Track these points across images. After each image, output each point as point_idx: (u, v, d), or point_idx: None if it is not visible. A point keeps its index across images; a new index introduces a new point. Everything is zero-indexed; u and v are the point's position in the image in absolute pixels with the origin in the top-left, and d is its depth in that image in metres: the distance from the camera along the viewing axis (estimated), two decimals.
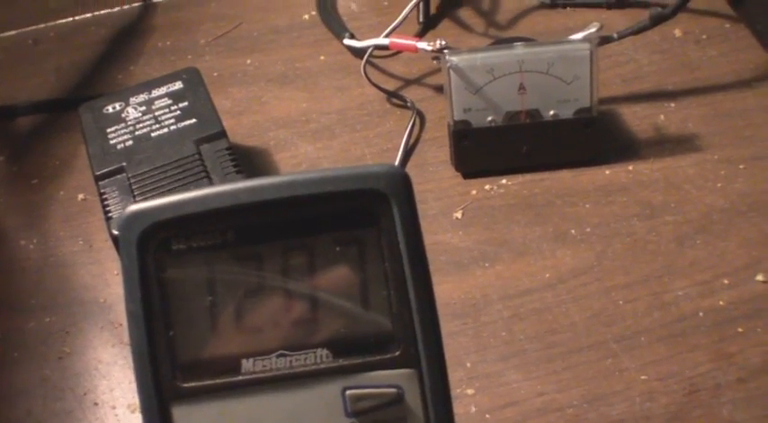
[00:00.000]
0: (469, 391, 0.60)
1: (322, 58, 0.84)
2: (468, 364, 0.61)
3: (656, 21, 0.75)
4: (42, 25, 0.94)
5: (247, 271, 0.41)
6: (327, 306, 0.41)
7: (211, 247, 0.40)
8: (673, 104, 0.76)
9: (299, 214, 0.40)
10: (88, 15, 0.94)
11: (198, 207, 0.40)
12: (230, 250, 0.40)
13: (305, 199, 0.40)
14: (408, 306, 0.40)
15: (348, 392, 0.41)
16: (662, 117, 0.75)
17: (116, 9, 0.94)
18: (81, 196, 0.76)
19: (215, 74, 0.83)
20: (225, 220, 0.40)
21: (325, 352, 0.41)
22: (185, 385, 0.40)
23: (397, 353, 0.41)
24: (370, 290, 0.41)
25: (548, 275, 0.66)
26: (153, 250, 0.40)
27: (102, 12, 0.94)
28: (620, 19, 0.83)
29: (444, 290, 0.65)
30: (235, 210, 0.40)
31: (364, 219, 0.40)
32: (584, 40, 0.70)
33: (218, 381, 0.40)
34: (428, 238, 0.40)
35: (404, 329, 0.40)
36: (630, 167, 0.72)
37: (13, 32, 0.93)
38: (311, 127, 0.78)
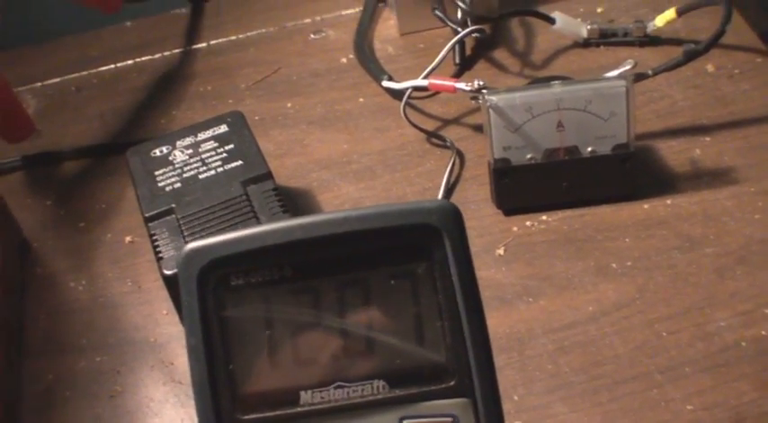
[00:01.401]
0: None
1: (361, 100, 0.85)
2: (516, 397, 0.62)
3: (690, 57, 0.76)
4: (85, 73, 0.95)
5: (304, 305, 0.42)
6: (383, 338, 0.42)
7: (269, 283, 0.41)
8: (708, 138, 0.77)
9: (354, 249, 0.42)
10: (129, 62, 0.95)
11: (255, 243, 0.41)
12: (287, 285, 0.42)
13: (359, 234, 0.41)
14: (462, 337, 0.41)
15: (405, 422, 0.42)
16: (698, 151, 0.76)
17: (157, 56, 0.95)
18: (128, 238, 0.77)
19: (256, 117, 0.84)
20: (282, 256, 0.41)
21: (381, 383, 0.41)
22: (245, 417, 0.41)
23: (452, 382, 0.41)
24: (425, 322, 0.42)
25: (591, 309, 0.66)
26: (212, 286, 0.41)
27: (144, 58, 0.95)
28: (653, 56, 0.84)
29: (489, 325, 0.64)
30: (291, 246, 0.41)
31: (417, 253, 0.42)
32: (620, 77, 0.71)
33: (277, 412, 0.41)
34: None
35: (458, 360, 0.41)
36: (669, 201, 0.72)
37: (56, 80, 0.95)
38: (353, 168, 0.79)
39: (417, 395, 0.41)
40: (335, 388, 0.41)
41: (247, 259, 0.41)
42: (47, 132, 0.87)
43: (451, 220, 0.42)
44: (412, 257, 0.42)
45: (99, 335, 0.71)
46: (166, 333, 0.70)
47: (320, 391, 0.41)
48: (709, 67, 0.82)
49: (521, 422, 0.61)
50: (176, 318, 0.69)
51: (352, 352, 0.42)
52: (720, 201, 0.72)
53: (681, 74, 0.80)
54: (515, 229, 0.72)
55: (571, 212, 0.73)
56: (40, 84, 0.95)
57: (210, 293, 0.41)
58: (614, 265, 0.69)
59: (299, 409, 0.41)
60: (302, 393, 0.41)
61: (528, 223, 0.72)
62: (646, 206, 0.72)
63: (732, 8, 0.77)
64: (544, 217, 0.73)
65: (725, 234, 0.70)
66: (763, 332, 0.64)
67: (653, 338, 0.64)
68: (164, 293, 0.69)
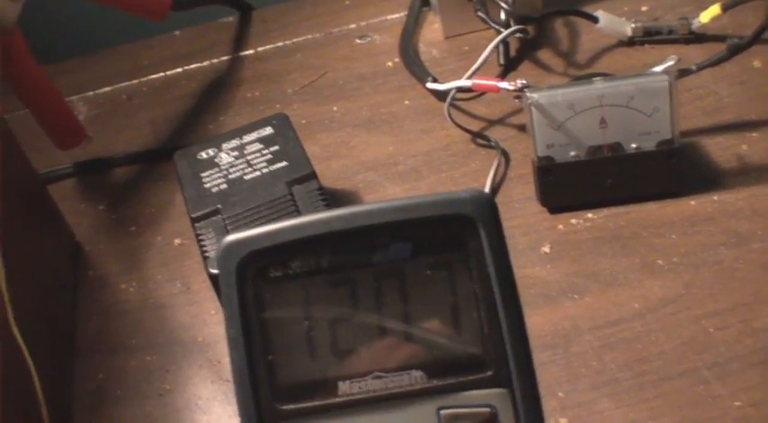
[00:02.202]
0: (563, 421, 0.61)
1: (406, 102, 0.86)
2: (561, 394, 0.62)
3: (734, 51, 0.75)
4: (135, 81, 0.97)
5: (342, 296, 0.42)
6: (420, 329, 0.42)
7: (307, 274, 0.42)
8: (755, 134, 0.76)
9: (390, 240, 0.42)
10: (179, 70, 0.97)
11: (292, 235, 0.42)
12: (325, 276, 0.42)
13: (395, 225, 0.42)
14: (499, 327, 0.41)
15: (443, 412, 0.42)
16: (744, 147, 0.75)
17: (205, 63, 0.97)
18: (177, 241, 0.78)
19: (303, 121, 0.85)
20: (319, 248, 0.42)
21: (419, 373, 0.42)
22: (285, 408, 0.42)
23: (490, 373, 0.42)
24: (461, 312, 0.42)
25: (636, 305, 0.66)
26: (251, 278, 0.42)
27: (192, 66, 0.97)
28: (699, 53, 0.83)
29: (535, 322, 0.66)
30: (328, 237, 0.42)
31: (453, 243, 0.42)
32: (663, 72, 0.71)
33: (316, 403, 0.42)
34: (517, 273, 0.42)
35: (495, 350, 0.41)
36: (715, 197, 0.72)
37: (107, 89, 0.97)
38: (398, 169, 0.80)
39: (455, 385, 0.42)
40: (373, 378, 0.42)
41: (285, 251, 0.42)
42: (98, 139, 0.88)
43: (486, 209, 0.42)
44: (448, 248, 0.42)
45: (148, 335, 0.72)
46: (214, 332, 0.71)
47: (358, 382, 0.42)
48: (756, 63, 0.81)
49: (566, 419, 0.61)
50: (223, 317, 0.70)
51: (390, 342, 0.42)
52: (767, 196, 0.71)
53: (726, 70, 0.80)
54: (561, 226, 0.72)
55: (616, 210, 0.72)
56: (92, 92, 0.97)
57: (249, 285, 0.42)
58: (660, 262, 0.68)
59: (337, 400, 0.42)
60: (340, 384, 0.42)
61: (573, 221, 0.72)
62: (692, 202, 0.72)
63: None
64: (589, 214, 0.72)
65: None
66: None
67: (700, 335, 0.64)
68: (211, 294, 0.70)
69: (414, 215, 0.42)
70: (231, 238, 0.43)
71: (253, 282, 0.42)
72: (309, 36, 0.96)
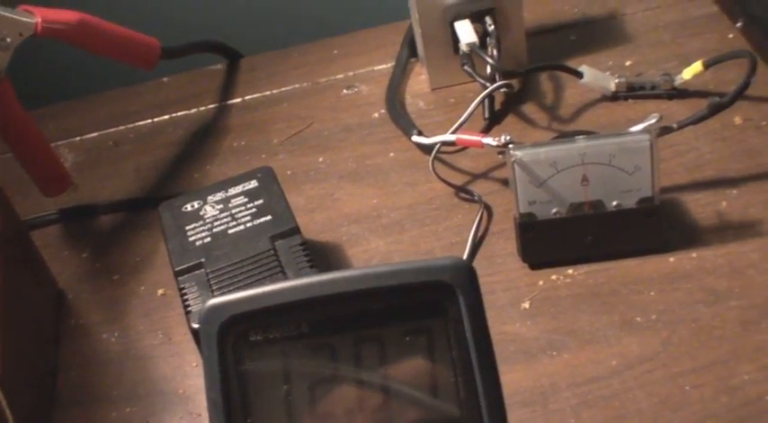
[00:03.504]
0: None
1: (392, 154, 0.87)
2: None
3: (715, 110, 0.76)
4: (123, 127, 0.98)
5: (321, 361, 0.43)
6: (398, 393, 0.43)
7: (287, 338, 0.43)
8: (735, 191, 0.77)
9: (370, 306, 0.43)
10: (166, 117, 0.97)
11: (273, 300, 0.43)
12: (305, 341, 0.43)
13: (375, 291, 0.42)
14: (475, 391, 0.42)
15: None
16: (724, 204, 0.76)
17: (193, 110, 0.97)
18: (160, 291, 0.79)
19: (288, 172, 0.86)
20: (299, 313, 0.43)
21: None
22: None
23: None
24: (439, 377, 0.43)
25: (614, 363, 0.67)
26: (232, 341, 0.43)
27: (180, 113, 0.97)
28: (681, 109, 0.84)
29: (513, 378, 0.66)
30: (308, 302, 0.43)
31: (432, 309, 0.43)
32: (644, 131, 0.72)
33: None
34: (497, 329, 0.42)
35: (471, 414, 0.42)
36: (694, 254, 0.73)
37: (94, 134, 0.97)
38: (382, 222, 0.80)
39: None
40: None
41: (265, 316, 0.43)
42: (84, 186, 0.89)
43: (465, 277, 0.43)
44: (427, 313, 0.43)
45: (130, 386, 0.73)
46: (195, 385, 0.71)
47: None
48: (737, 120, 0.82)
49: None
50: None
51: (369, 407, 0.43)
52: (746, 253, 0.72)
53: (708, 126, 0.81)
54: (541, 282, 0.73)
55: (597, 266, 0.73)
56: (78, 138, 0.97)
57: (230, 348, 0.43)
58: (639, 319, 0.69)
59: None
60: None
61: (554, 277, 0.73)
62: (671, 259, 0.73)
63: (757, 61, 0.78)
64: (570, 271, 0.73)
65: (750, 287, 0.70)
66: None
67: (677, 392, 0.64)
68: (193, 346, 0.71)
69: (394, 282, 0.42)
70: (213, 301, 0.43)
71: (233, 345, 0.43)
72: (297, 85, 0.97)
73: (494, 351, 0.42)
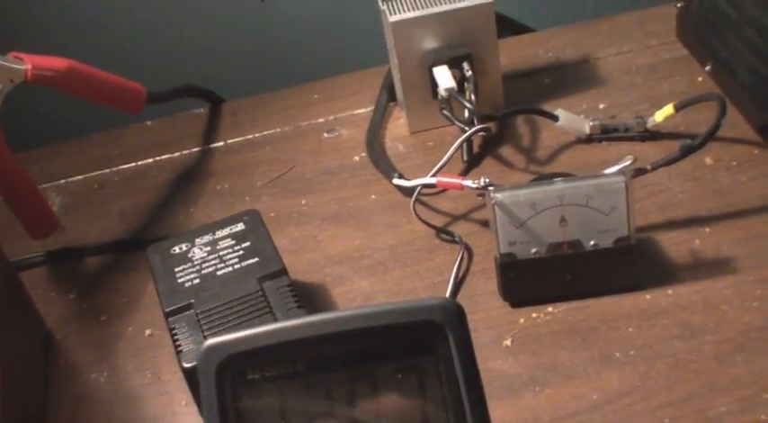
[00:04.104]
0: None
1: (373, 196, 0.88)
2: None
3: (687, 152, 0.79)
4: (107, 170, 0.99)
5: (317, 398, 0.44)
6: None
7: (283, 376, 0.44)
8: (707, 229, 0.79)
9: (363, 345, 0.44)
10: (150, 160, 0.99)
11: (270, 340, 0.44)
12: (300, 379, 0.44)
13: (367, 331, 0.44)
14: None
15: None
16: (697, 242, 0.78)
17: (176, 154, 0.99)
18: (148, 331, 0.80)
19: (272, 214, 0.87)
20: (295, 352, 0.44)
21: None
22: None
23: None
24: (430, 413, 0.44)
25: (595, 397, 0.68)
26: (230, 379, 0.44)
27: (164, 157, 0.99)
28: (654, 150, 0.87)
29: (497, 414, 0.67)
30: (303, 342, 0.44)
31: (422, 347, 0.44)
32: (619, 173, 0.74)
33: None
34: (481, 365, 0.44)
35: None
36: (670, 291, 0.75)
37: (79, 177, 0.99)
38: (365, 263, 0.82)
39: None
40: None
41: (262, 355, 0.44)
42: (70, 228, 0.90)
43: (454, 316, 0.44)
44: (417, 352, 0.44)
45: None
46: None
47: None
48: (708, 160, 0.85)
49: None
50: (194, 408, 0.71)
51: None
52: (720, 290, 0.74)
53: (680, 167, 0.83)
54: (522, 320, 0.75)
55: (576, 304, 0.75)
56: (64, 181, 0.99)
57: (228, 386, 0.44)
58: (618, 354, 0.71)
59: None
60: None
61: (534, 315, 0.75)
62: (648, 296, 0.75)
63: (726, 104, 0.80)
64: (550, 308, 0.75)
65: (724, 322, 0.72)
66: (763, 417, 0.65)
67: None
68: (182, 385, 0.72)
69: (386, 322, 0.44)
70: (211, 341, 0.45)
71: (231, 383, 0.44)
72: (278, 129, 0.99)
73: (483, 387, 0.44)
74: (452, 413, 0.44)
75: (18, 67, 0.80)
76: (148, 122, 1.04)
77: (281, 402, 0.44)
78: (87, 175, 0.99)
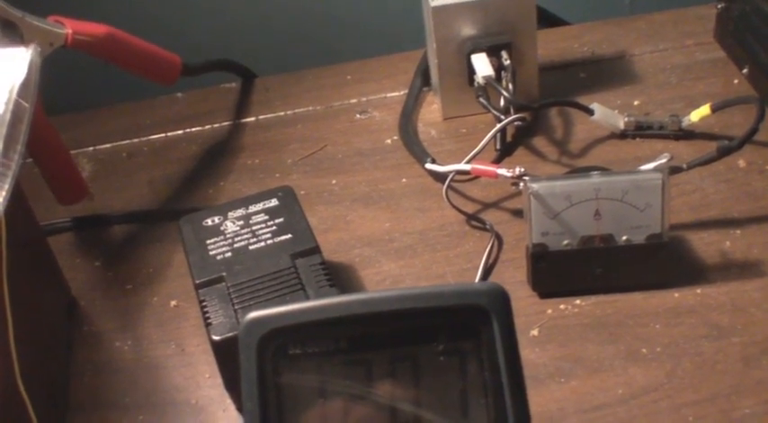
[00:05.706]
0: None
1: (404, 180, 0.88)
2: None
3: (723, 153, 0.79)
4: (136, 140, 0.99)
5: (357, 377, 0.44)
6: (429, 411, 0.44)
7: (325, 353, 0.44)
8: (738, 231, 0.79)
9: (407, 325, 0.44)
10: (180, 132, 0.99)
11: (314, 316, 0.44)
12: (342, 357, 0.44)
13: (413, 312, 0.44)
14: (505, 414, 0.44)
15: None
16: (728, 243, 0.78)
17: (207, 127, 0.99)
18: (173, 303, 0.80)
19: (302, 192, 0.87)
20: (338, 329, 0.44)
21: None
22: None
23: None
24: (470, 398, 0.44)
25: (620, 391, 0.68)
26: (271, 354, 0.44)
27: (194, 129, 0.99)
28: (687, 149, 0.87)
29: None
30: (348, 319, 0.44)
31: (466, 331, 0.44)
32: (657, 170, 0.74)
33: None
34: None
35: None
36: (698, 291, 0.75)
37: (107, 145, 0.99)
38: (394, 246, 0.82)
39: None
40: None
41: (306, 330, 0.44)
42: (97, 196, 0.90)
43: (500, 302, 0.45)
44: (461, 335, 0.44)
45: (142, 394, 0.74)
46: (207, 396, 0.72)
47: None
48: (741, 163, 0.85)
49: None
50: (218, 381, 0.71)
51: None
52: (749, 292, 0.74)
53: (713, 168, 0.83)
54: (550, 311, 0.75)
55: (604, 298, 0.75)
56: (92, 148, 0.99)
57: (269, 361, 0.44)
58: (644, 351, 0.71)
59: None
60: None
61: (562, 307, 0.75)
62: (676, 295, 0.75)
63: (765, 107, 0.80)
64: (578, 301, 0.75)
65: (752, 324, 0.72)
66: None
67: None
68: (206, 357, 0.72)
69: (432, 304, 0.44)
70: (254, 314, 0.45)
71: (272, 358, 0.44)
72: (311, 108, 0.99)
73: (524, 376, 0.44)
74: (492, 398, 0.44)
75: (59, 30, 0.80)
76: (179, 94, 1.04)
77: (321, 379, 0.44)
78: (116, 144, 0.99)
